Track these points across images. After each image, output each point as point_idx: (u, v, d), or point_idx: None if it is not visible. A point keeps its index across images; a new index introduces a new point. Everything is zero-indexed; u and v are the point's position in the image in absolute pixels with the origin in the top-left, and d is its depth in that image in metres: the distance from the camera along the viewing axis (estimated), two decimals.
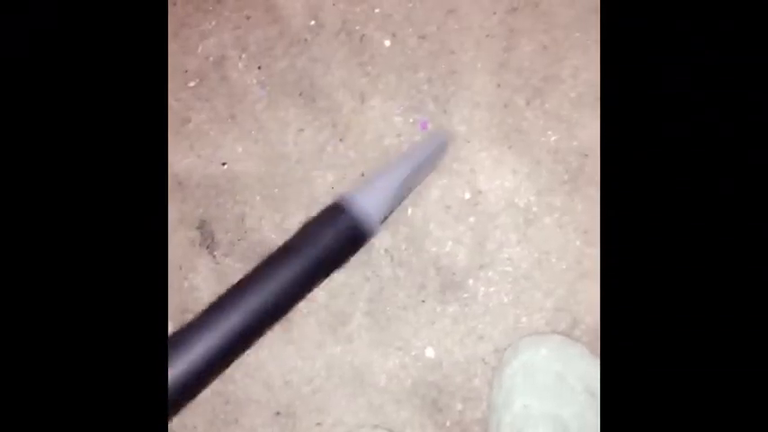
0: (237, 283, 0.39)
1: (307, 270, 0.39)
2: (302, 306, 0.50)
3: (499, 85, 0.52)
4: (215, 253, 0.52)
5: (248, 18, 0.55)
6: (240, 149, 0.53)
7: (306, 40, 0.55)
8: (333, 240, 0.39)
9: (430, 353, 0.49)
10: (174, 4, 0.56)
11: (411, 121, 0.52)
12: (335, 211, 0.40)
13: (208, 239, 0.52)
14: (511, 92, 0.52)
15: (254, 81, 0.54)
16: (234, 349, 0.37)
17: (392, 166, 0.44)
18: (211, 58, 0.55)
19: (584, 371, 0.44)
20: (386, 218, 0.43)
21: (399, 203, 0.43)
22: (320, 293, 0.50)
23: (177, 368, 0.34)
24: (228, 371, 0.49)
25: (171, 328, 0.50)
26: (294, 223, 0.51)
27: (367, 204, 0.41)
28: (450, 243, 0.50)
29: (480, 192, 0.51)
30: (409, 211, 0.51)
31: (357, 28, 0.54)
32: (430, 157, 0.46)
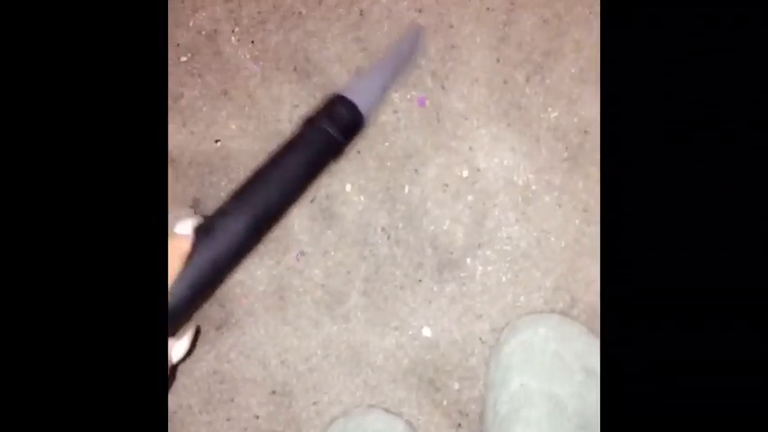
0: (255, 173, 0.43)
1: (314, 158, 0.45)
2: (298, 285, 0.49)
3: (499, 61, 0.51)
4: None
5: None
6: (234, 126, 0.52)
7: (300, 13, 0.53)
8: (335, 130, 0.45)
9: (427, 332, 0.48)
10: None
11: (408, 97, 0.51)
12: (335, 104, 0.46)
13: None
14: (511, 67, 0.51)
15: (248, 56, 0.53)
16: (257, 233, 0.42)
17: (380, 62, 0.50)
18: (203, 32, 0.54)
19: (583, 350, 0.44)
20: (375, 111, 0.49)
21: (385, 97, 0.50)
22: (316, 272, 0.49)
23: (202, 255, 0.39)
24: (224, 350, 0.49)
25: None
26: None
27: (362, 96, 0.47)
28: (447, 222, 0.50)
29: (479, 170, 0.50)
30: (406, 189, 0.50)
31: (354, 2, 0.53)
32: (411, 52, 0.50)
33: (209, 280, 0.40)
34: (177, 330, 0.38)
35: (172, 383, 0.40)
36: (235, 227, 0.40)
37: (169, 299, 0.36)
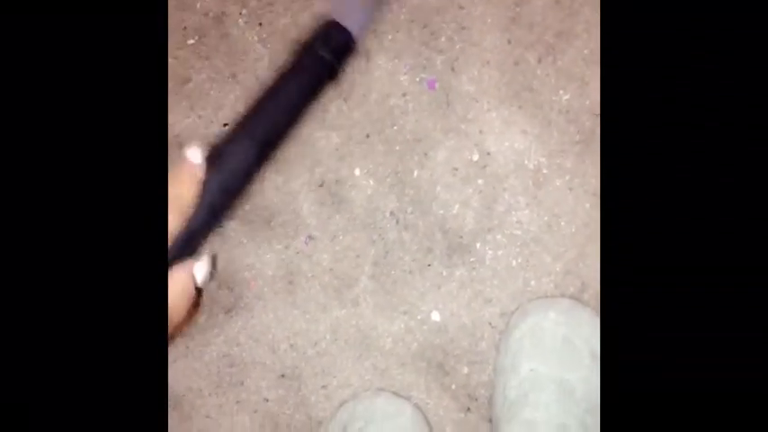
0: (257, 101, 0.44)
1: (312, 83, 0.45)
2: (307, 269, 0.49)
3: (510, 42, 0.50)
4: None
5: None
6: (242, 110, 0.52)
7: None
8: (330, 54, 0.45)
9: (436, 316, 0.48)
10: None
11: (417, 80, 0.51)
12: (329, 29, 0.46)
13: None
14: (522, 49, 0.50)
15: (256, 38, 0.52)
16: (264, 157, 0.43)
17: None
18: (211, 15, 0.53)
19: (592, 335, 0.44)
20: (365, 32, 0.48)
21: (375, 17, 0.49)
22: (324, 256, 0.49)
23: (215, 180, 0.40)
24: (233, 334, 0.49)
25: None
26: (297, 185, 0.50)
27: (354, 20, 0.47)
28: (457, 206, 0.49)
29: (489, 153, 0.49)
30: (415, 173, 0.50)
31: None
32: None
33: (222, 204, 0.41)
34: (196, 252, 0.40)
35: (197, 311, 0.42)
36: (243, 153, 0.42)
37: (188, 222, 0.37)
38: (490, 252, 0.49)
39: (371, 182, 0.50)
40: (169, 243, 0.34)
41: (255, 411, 0.48)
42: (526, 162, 0.49)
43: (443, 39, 0.51)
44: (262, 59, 0.52)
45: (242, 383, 0.49)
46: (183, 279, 0.32)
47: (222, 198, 0.41)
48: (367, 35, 0.49)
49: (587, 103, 0.49)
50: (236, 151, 0.42)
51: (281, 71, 0.47)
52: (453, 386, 0.48)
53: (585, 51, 0.50)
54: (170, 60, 0.53)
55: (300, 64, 0.45)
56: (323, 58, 0.46)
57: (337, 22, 0.47)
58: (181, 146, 0.52)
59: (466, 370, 0.48)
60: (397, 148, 0.50)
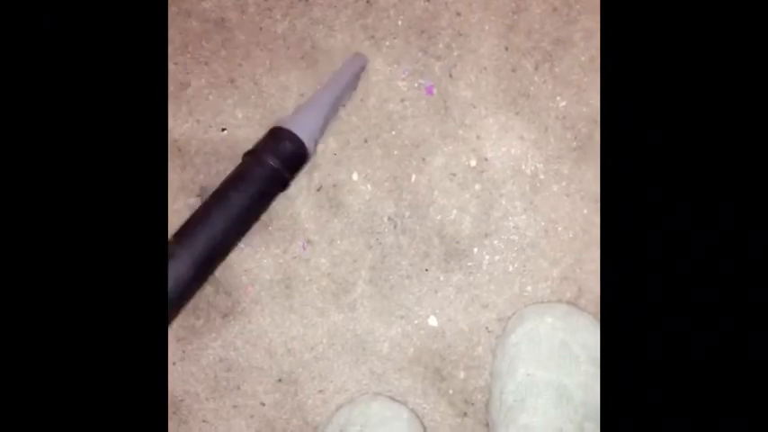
0: (199, 211, 0.44)
1: (259, 194, 0.45)
2: (304, 273, 0.49)
3: (507, 49, 0.51)
4: None
5: None
6: (240, 115, 0.52)
7: (307, 0, 0.53)
8: (279, 163, 0.45)
9: (433, 321, 0.48)
10: None
11: (416, 85, 0.51)
12: (279, 137, 0.46)
13: None
14: (519, 55, 0.51)
15: (255, 44, 0.53)
16: (203, 274, 0.44)
17: (320, 93, 0.49)
18: (210, 20, 0.53)
19: (590, 340, 0.44)
20: (317, 142, 0.49)
21: (327, 126, 0.50)
22: (322, 260, 0.49)
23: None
24: (230, 338, 0.49)
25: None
26: (295, 190, 0.50)
27: (305, 129, 0.47)
28: (454, 211, 0.49)
29: (486, 159, 0.50)
30: (413, 177, 0.50)
31: None
32: (351, 81, 0.50)
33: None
34: None
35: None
36: (180, 270, 0.41)
37: None
38: (487, 257, 0.49)
39: (369, 186, 0.50)
40: None
41: (252, 416, 0.48)
42: (523, 168, 0.49)
43: (441, 45, 0.51)
44: (261, 65, 0.52)
45: (239, 388, 0.49)
46: None
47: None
48: (317, 145, 0.49)
49: (584, 109, 0.50)
50: (175, 269, 0.41)
51: (227, 180, 0.45)
52: (450, 391, 0.48)
53: (583, 59, 0.50)
54: (170, 65, 0.53)
55: (249, 173, 0.45)
56: (273, 168, 0.45)
57: (289, 131, 0.46)
58: (180, 150, 0.52)
59: (462, 375, 0.48)
60: (395, 152, 0.50)
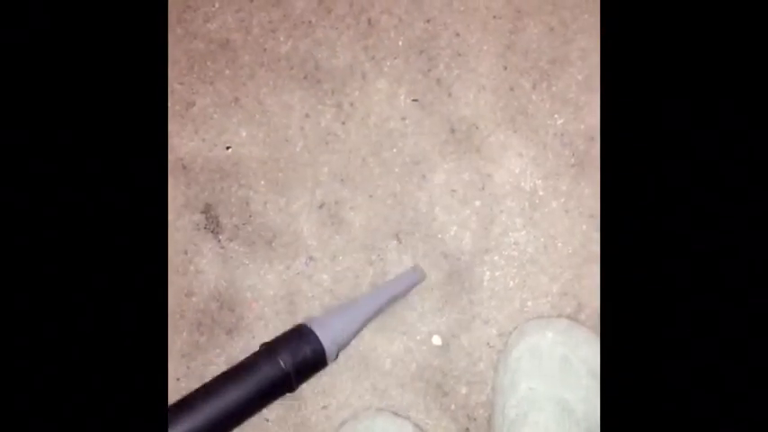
0: (195, 400, 0.42)
1: (260, 393, 0.43)
2: (307, 289, 0.50)
3: (505, 68, 0.52)
4: (220, 237, 0.52)
5: (251, 0, 0.55)
6: (244, 133, 0.53)
7: (310, 22, 0.54)
8: (292, 366, 0.43)
9: (435, 338, 0.49)
10: None
11: (415, 103, 0.52)
12: (301, 337, 0.44)
13: (212, 223, 0.52)
14: (517, 74, 0.52)
15: (259, 64, 0.54)
16: None
17: (366, 298, 0.47)
18: (215, 41, 0.55)
19: (590, 355, 0.44)
20: (342, 348, 0.47)
21: (357, 334, 0.47)
22: (324, 277, 0.50)
23: None
24: (234, 353, 0.49)
25: (173, 306, 0.50)
26: (298, 206, 0.51)
27: (331, 334, 0.45)
28: (455, 227, 0.50)
29: (486, 175, 0.51)
30: (414, 194, 0.51)
31: (363, 11, 0.54)
32: (402, 293, 0.48)
33: None
34: None
35: None
36: None
37: None
38: (488, 273, 0.49)
39: (371, 203, 0.51)
40: None
41: None
42: (522, 184, 0.50)
43: (441, 66, 0.52)
44: (265, 85, 0.53)
45: None
46: None
47: None
48: (339, 353, 0.47)
49: (582, 127, 0.51)
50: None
51: (235, 367, 0.43)
52: (452, 406, 0.48)
53: (579, 77, 0.51)
54: (176, 86, 0.54)
55: (257, 369, 0.42)
56: (283, 371, 0.42)
57: (313, 333, 0.43)
58: (185, 168, 0.53)
59: (464, 390, 0.48)
60: (397, 170, 0.51)
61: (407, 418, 0.47)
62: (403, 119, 0.52)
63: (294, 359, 0.43)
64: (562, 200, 0.50)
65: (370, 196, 0.51)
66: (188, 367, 0.49)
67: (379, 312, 0.47)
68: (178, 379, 0.49)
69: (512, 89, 0.52)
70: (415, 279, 0.48)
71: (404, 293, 0.48)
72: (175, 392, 0.49)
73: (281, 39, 0.54)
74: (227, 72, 0.54)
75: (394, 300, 0.48)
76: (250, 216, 0.52)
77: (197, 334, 0.50)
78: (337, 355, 0.46)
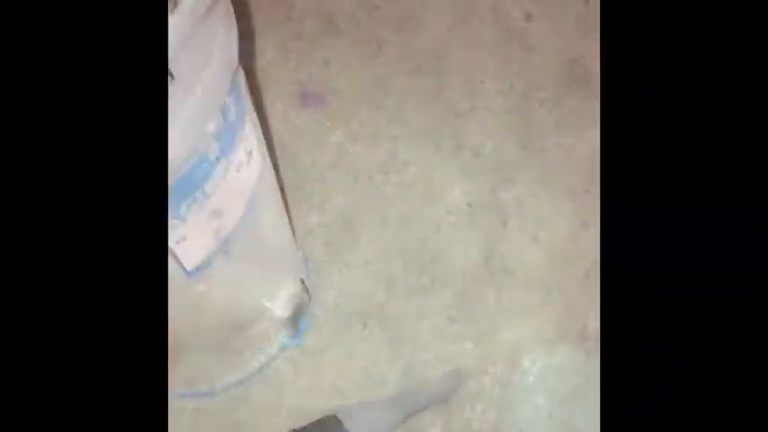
0: None
1: None
2: (312, 305, 0.49)
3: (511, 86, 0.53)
4: None
5: None
6: None
7: None
8: None
9: (441, 358, 0.47)
10: None
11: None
12: (330, 426, 0.42)
13: None
14: (524, 96, 0.53)
15: (268, 94, 0.55)
16: None
17: (405, 395, 0.45)
18: None
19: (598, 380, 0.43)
20: None
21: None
22: (329, 293, 0.49)
23: None
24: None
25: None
26: (303, 231, 0.51)
27: (361, 428, 0.43)
28: (462, 247, 0.50)
29: (494, 193, 0.51)
30: (422, 214, 0.51)
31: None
32: (442, 397, 0.46)
33: None
34: None
35: None
36: None
37: None
38: (493, 294, 0.49)
39: (379, 223, 0.51)
40: None
41: None
42: (530, 203, 0.50)
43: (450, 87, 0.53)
44: (273, 115, 0.55)
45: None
46: None
47: None
48: None
49: (587, 147, 0.51)
50: None
51: None
52: (459, 426, 0.46)
53: (585, 102, 0.53)
54: None
55: None
56: None
57: (341, 426, 0.42)
58: None
59: (472, 410, 0.46)
60: (404, 190, 0.52)
61: None
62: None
63: None
64: (570, 219, 0.50)
65: (380, 216, 0.51)
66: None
67: (417, 411, 0.44)
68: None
69: (520, 110, 0.52)
70: (456, 383, 0.45)
71: (447, 396, 0.45)
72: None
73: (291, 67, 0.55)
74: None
75: (438, 400, 0.45)
76: None
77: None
78: None
